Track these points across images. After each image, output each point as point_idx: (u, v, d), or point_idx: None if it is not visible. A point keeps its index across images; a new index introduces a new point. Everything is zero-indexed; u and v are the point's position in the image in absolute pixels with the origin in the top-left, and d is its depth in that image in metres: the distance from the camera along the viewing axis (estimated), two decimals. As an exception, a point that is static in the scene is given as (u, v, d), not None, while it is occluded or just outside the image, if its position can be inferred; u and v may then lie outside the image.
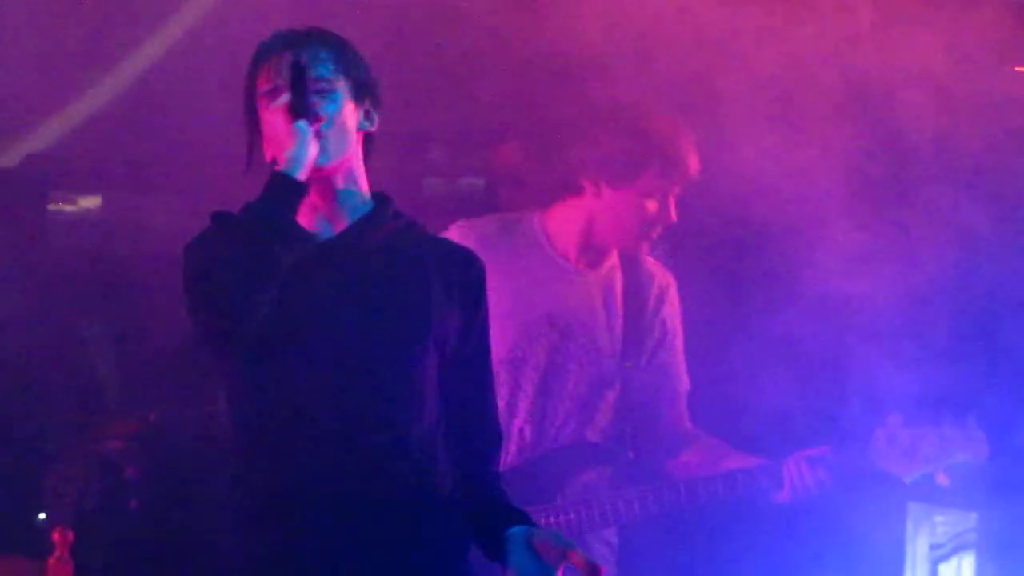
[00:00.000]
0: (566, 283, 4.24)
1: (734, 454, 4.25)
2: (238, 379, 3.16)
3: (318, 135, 3.09)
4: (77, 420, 5.25)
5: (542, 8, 4.66)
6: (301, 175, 3.06)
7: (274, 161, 3.09)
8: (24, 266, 5.37)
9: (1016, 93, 4.67)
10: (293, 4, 4.56)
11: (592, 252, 4.26)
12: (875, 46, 4.58)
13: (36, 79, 5.19)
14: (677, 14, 4.50)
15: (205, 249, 3.07)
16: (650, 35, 4.53)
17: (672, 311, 4.34)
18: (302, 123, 3.06)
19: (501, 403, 3.87)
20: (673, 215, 4.22)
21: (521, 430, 4.20)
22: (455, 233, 4.08)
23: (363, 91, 3.19)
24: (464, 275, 3.25)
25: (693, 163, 4.20)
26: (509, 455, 4.13)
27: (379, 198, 3.24)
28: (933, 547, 4.69)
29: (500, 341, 3.70)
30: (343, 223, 3.18)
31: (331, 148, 3.12)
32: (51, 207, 5.72)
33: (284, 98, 3.08)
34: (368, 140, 3.24)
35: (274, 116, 3.10)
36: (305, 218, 3.15)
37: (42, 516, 4.93)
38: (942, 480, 4.15)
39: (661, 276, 4.34)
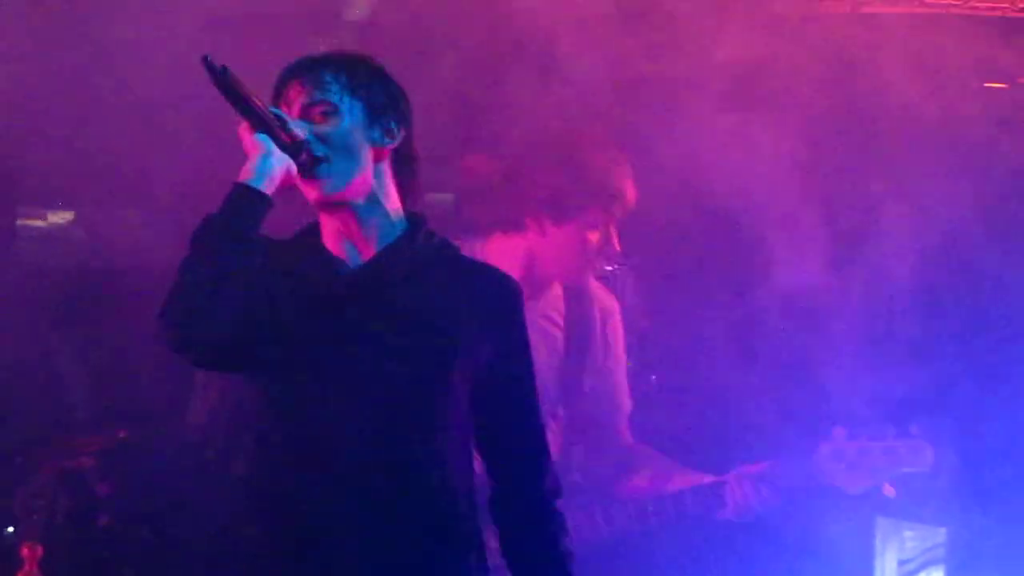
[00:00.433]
0: None
1: (680, 471, 4.27)
2: (256, 407, 3.17)
3: (299, 151, 3.08)
4: (47, 435, 5.23)
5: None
6: (265, 187, 3.05)
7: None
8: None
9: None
10: (261, 19, 4.57)
11: (534, 286, 4.26)
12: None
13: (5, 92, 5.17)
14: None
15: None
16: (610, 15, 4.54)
17: (615, 334, 4.36)
18: (262, 135, 3.06)
19: None
20: (616, 245, 4.24)
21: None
22: None
23: (378, 109, 3.16)
24: (497, 300, 3.24)
25: (631, 193, 4.23)
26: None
27: (412, 219, 3.22)
28: (902, 562, 4.71)
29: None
30: (371, 248, 3.17)
31: (337, 169, 3.12)
32: (20, 222, 5.70)
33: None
34: (401, 158, 3.22)
35: (243, 133, 3.10)
36: (332, 243, 3.16)
37: (11, 530, 4.90)
38: (888, 491, 4.18)
39: (605, 299, 4.37)
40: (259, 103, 3.07)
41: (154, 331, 3.06)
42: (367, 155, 3.15)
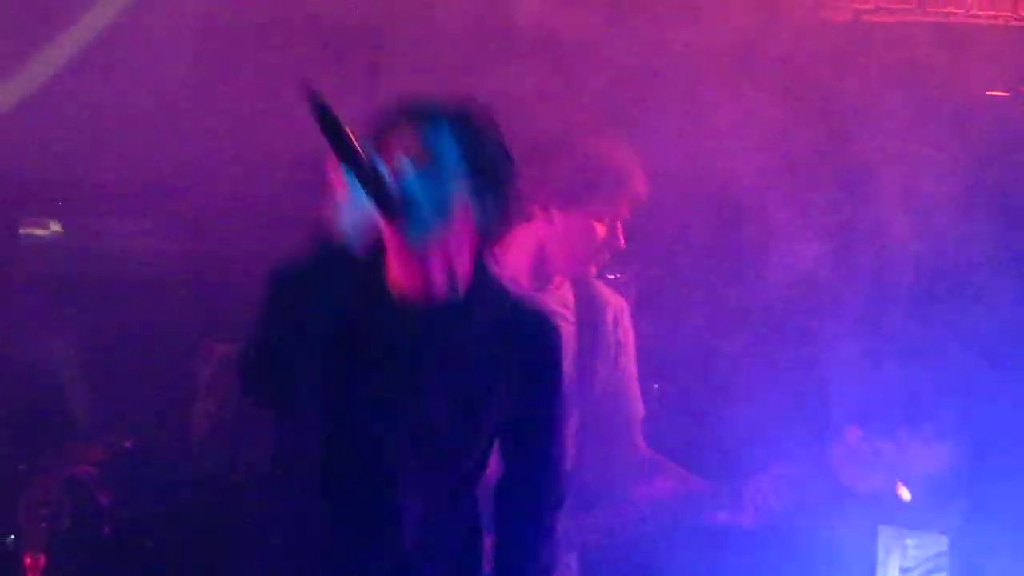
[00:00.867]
0: None
1: (692, 479, 4.27)
2: (288, 431, 3.17)
3: (380, 190, 2.99)
4: (50, 444, 5.24)
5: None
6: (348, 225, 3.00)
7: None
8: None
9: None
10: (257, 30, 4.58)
11: (542, 276, 4.28)
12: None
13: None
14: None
15: None
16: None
17: (627, 335, 4.36)
18: (347, 168, 2.97)
19: None
20: (622, 241, 4.25)
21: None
22: None
23: (481, 179, 3.12)
24: (533, 341, 3.24)
25: (642, 186, 4.24)
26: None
27: (479, 268, 3.19)
28: (904, 571, 4.70)
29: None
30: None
31: (419, 215, 3.05)
32: (21, 231, 5.72)
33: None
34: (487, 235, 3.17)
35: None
36: (399, 274, 3.13)
37: (13, 539, 4.91)
38: (903, 493, 4.17)
39: (615, 300, 4.37)
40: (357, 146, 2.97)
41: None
42: (459, 215, 3.10)
